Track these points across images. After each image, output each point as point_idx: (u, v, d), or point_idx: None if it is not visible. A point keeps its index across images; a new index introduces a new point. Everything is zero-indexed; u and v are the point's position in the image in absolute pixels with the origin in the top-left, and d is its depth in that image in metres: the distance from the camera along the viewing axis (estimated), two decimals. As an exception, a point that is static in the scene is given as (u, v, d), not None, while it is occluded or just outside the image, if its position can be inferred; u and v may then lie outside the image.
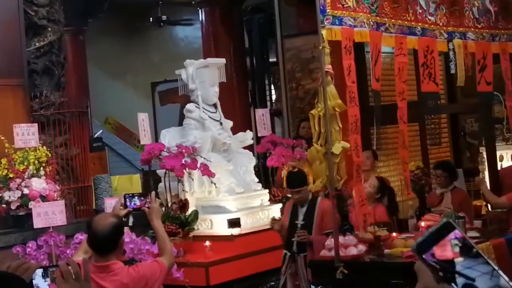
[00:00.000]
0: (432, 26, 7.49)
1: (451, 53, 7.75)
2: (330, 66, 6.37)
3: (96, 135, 11.51)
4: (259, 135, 9.40)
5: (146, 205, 5.05)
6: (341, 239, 6.84)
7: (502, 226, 7.80)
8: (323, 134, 6.33)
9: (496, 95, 9.09)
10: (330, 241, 7.02)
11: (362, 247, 7.18)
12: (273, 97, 12.58)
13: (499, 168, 10.10)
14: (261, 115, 9.50)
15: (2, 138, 7.70)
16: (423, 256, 2.15)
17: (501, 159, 10.08)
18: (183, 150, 7.83)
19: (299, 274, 7.15)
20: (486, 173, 10.18)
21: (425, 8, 7.42)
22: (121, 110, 15.04)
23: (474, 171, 10.54)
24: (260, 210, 8.14)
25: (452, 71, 7.95)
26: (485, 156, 10.29)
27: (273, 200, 8.46)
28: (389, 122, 9.96)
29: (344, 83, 6.45)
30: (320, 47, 6.28)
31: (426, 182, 9.63)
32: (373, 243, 7.15)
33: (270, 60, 12.55)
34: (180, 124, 8.75)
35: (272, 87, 12.60)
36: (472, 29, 7.97)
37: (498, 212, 8.27)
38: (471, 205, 9.03)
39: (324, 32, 6.30)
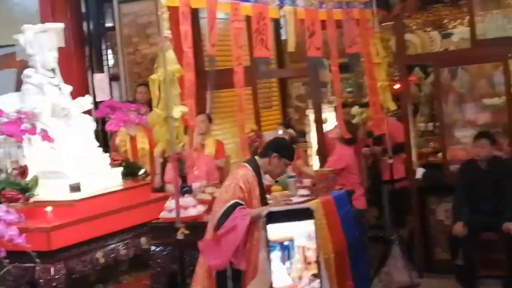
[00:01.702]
0: (264, -7, 7.73)
1: (282, 19, 8.00)
2: (169, 31, 6.50)
3: None
4: (97, 100, 9.45)
5: None
6: (180, 200, 7.04)
7: (329, 184, 8.19)
8: (163, 99, 6.47)
9: (324, 60, 9.49)
10: (170, 203, 7.18)
11: (201, 208, 7.44)
12: (111, 62, 12.55)
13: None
14: (99, 80, 9.56)
15: None
16: (267, 224, 2.25)
17: (325, 121, 10.49)
18: (23, 116, 7.78)
19: None
20: (313, 134, 10.65)
21: (257, -24, 7.63)
22: (-44, 76, 14.57)
23: (302, 132, 11.04)
24: (100, 175, 8.23)
25: (283, 37, 8.24)
26: (311, 118, 10.72)
27: (113, 164, 8.54)
28: (224, 86, 10.28)
29: (181, 49, 6.61)
30: (159, 13, 6.41)
31: (260, 144, 10.01)
32: (211, 204, 7.39)
33: (107, 25, 12.50)
34: (18, 89, 8.64)
35: (110, 52, 12.57)
36: (302, -3, 8.27)
37: (326, 171, 8.67)
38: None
39: (162, -3, 6.41)
